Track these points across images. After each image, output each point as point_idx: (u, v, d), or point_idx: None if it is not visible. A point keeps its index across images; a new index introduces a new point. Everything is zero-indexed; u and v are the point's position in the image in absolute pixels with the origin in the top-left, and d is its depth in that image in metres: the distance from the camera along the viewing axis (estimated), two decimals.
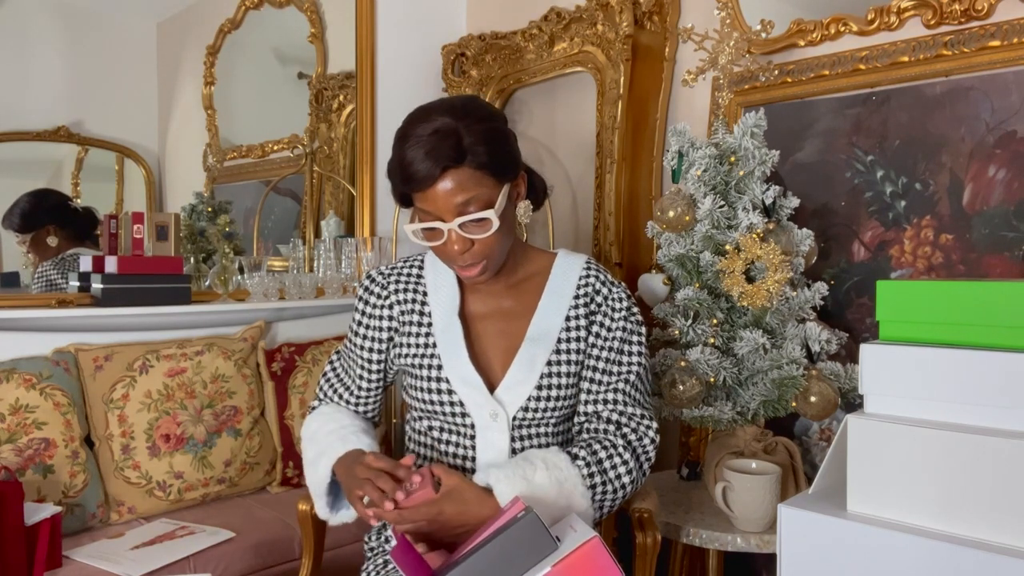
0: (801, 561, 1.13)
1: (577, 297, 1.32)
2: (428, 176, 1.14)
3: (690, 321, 1.67)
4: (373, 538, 1.36)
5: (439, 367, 1.28)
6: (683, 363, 1.64)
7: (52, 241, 2.16)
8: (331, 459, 1.27)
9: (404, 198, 1.23)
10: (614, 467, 1.22)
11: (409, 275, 1.36)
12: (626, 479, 1.22)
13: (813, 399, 1.59)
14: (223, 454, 2.07)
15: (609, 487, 1.20)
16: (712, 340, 1.65)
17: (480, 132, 1.16)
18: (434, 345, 1.29)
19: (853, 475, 1.11)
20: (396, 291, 1.34)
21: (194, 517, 1.93)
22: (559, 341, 1.29)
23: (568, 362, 1.29)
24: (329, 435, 1.30)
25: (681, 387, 1.61)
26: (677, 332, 1.67)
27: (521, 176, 1.26)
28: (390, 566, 1.27)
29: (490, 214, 1.17)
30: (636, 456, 1.24)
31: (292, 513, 1.92)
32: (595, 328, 1.31)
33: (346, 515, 1.31)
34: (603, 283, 1.34)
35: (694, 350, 1.64)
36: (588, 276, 1.34)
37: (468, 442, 1.27)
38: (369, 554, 1.35)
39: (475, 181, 1.16)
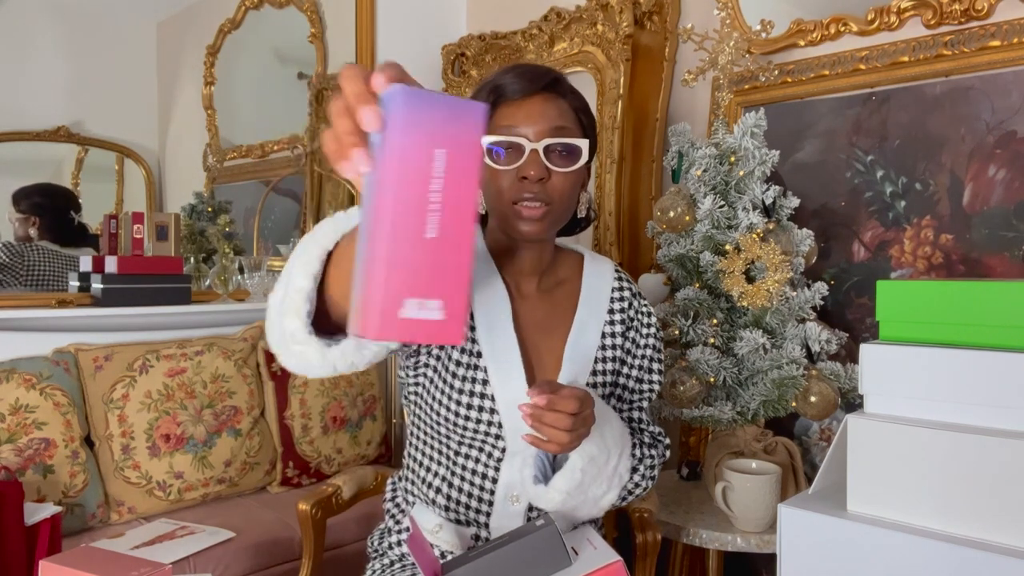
0: (801, 561, 1.13)
1: (612, 312, 1.23)
2: (529, 86, 1.09)
3: (690, 321, 1.67)
4: (376, 541, 1.35)
5: (484, 382, 1.11)
6: (683, 363, 1.64)
7: (32, 232, 2.20)
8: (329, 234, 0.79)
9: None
10: (644, 458, 1.20)
11: None
12: (649, 474, 1.21)
13: (813, 399, 1.59)
14: (223, 454, 2.07)
15: (638, 475, 1.18)
16: (712, 340, 1.65)
17: (578, 92, 1.16)
18: (479, 355, 1.12)
19: (853, 475, 1.11)
20: None
21: (194, 517, 1.93)
22: (595, 361, 1.20)
23: (604, 384, 1.20)
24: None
25: (681, 387, 1.61)
26: (677, 332, 1.67)
27: (589, 167, 1.20)
28: (396, 566, 1.26)
29: (582, 142, 1.09)
30: (652, 467, 1.23)
31: (292, 513, 1.92)
32: (627, 345, 1.25)
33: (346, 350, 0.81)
34: (633, 296, 1.28)
35: (694, 350, 1.64)
36: (622, 290, 1.26)
37: (493, 463, 1.15)
38: (374, 555, 1.34)
39: (571, 118, 1.12)
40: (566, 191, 1.11)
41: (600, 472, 1.07)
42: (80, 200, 2.29)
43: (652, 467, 1.21)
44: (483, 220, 1.27)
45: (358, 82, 0.56)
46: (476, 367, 1.12)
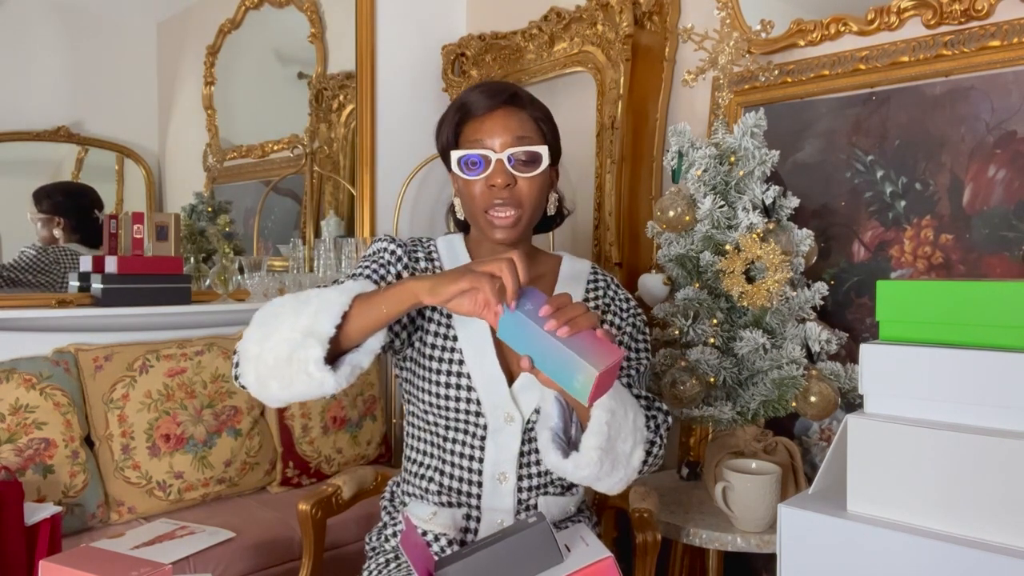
0: (801, 561, 1.13)
1: (587, 301, 1.31)
2: (490, 102, 1.20)
3: (690, 321, 1.67)
4: (374, 538, 1.36)
5: (460, 362, 1.22)
6: (683, 363, 1.64)
7: (57, 232, 2.19)
8: (349, 290, 1.07)
9: (449, 143, 1.23)
10: (650, 409, 1.22)
11: (429, 255, 1.29)
12: (661, 431, 1.21)
13: (813, 399, 1.59)
14: (223, 454, 2.07)
15: (650, 431, 1.18)
16: (712, 340, 1.65)
17: (538, 102, 1.26)
18: (455, 339, 1.23)
19: (853, 475, 1.11)
20: (422, 263, 1.27)
21: (194, 517, 1.93)
22: None
23: None
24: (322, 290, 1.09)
25: (681, 387, 1.61)
26: (677, 332, 1.67)
27: (556, 169, 1.29)
28: (392, 565, 1.27)
29: (542, 149, 1.19)
30: (658, 426, 1.22)
31: (292, 513, 1.92)
32: (604, 327, 1.29)
33: (348, 372, 1.07)
34: (607, 286, 1.35)
35: (694, 350, 1.64)
36: (596, 282, 1.35)
37: (477, 443, 1.23)
38: (371, 553, 1.35)
39: (530, 128, 1.21)
40: (533, 194, 1.21)
41: (622, 426, 1.09)
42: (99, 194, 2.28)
43: (658, 426, 1.21)
44: (466, 227, 1.35)
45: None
46: (453, 349, 1.23)
